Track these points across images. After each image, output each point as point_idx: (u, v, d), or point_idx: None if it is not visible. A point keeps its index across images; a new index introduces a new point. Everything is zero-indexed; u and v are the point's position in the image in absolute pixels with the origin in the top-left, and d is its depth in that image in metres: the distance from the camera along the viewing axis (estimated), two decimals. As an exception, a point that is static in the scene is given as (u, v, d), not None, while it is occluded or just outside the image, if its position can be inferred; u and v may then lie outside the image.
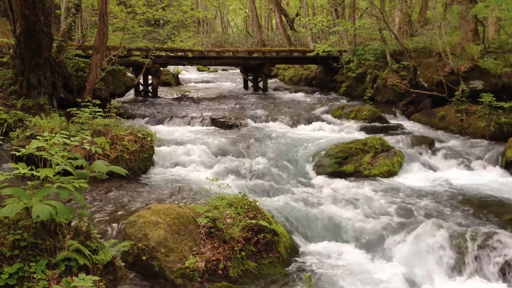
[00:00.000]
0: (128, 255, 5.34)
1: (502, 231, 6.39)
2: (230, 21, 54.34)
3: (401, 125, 13.81)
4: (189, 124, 13.98)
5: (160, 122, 14.28)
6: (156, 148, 9.85)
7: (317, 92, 21.08)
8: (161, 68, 19.79)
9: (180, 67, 24.35)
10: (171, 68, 24.65)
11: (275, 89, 22.99)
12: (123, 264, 4.95)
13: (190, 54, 19.46)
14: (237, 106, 16.79)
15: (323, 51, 20.72)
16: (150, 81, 19.87)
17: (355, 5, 21.95)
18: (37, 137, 4.74)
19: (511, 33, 14.49)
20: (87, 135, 5.20)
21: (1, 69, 12.66)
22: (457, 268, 5.86)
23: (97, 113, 9.48)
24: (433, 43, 16.32)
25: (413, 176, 9.54)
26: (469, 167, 10.13)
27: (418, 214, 7.23)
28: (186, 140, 11.41)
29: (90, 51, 15.06)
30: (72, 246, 4.11)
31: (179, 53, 19.81)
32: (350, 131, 13.12)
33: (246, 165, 9.68)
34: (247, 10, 44.43)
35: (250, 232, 5.83)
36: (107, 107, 10.24)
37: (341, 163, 9.78)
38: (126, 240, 5.32)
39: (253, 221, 5.88)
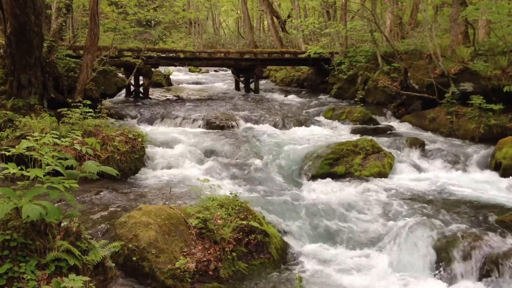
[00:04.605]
0: (119, 256, 5.32)
1: (491, 233, 6.44)
2: (222, 22, 54.38)
3: (392, 126, 13.88)
4: (180, 125, 13.95)
5: (151, 123, 14.23)
6: (147, 149, 9.82)
7: (309, 94, 21.15)
8: (153, 69, 19.75)
9: (172, 68, 24.32)
10: (163, 69, 24.62)
11: (267, 90, 23.03)
12: (113, 264, 4.94)
13: (181, 55, 19.46)
14: (229, 107, 16.79)
15: (314, 53, 20.78)
16: (141, 82, 19.84)
17: (347, 7, 22.02)
18: (27, 137, 4.72)
19: (501, 36, 14.58)
20: (77, 136, 5.19)
21: (-9, 69, 12.58)
22: (446, 269, 5.90)
23: (87, 114, 9.44)
24: (424, 45, 16.41)
25: (404, 177, 9.58)
26: (459, 169, 10.18)
27: (408, 215, 7.27)
28: (177, 141, 11.37)
29: (81, 51, 15.00)
30: (62, 246, 4.10)
31: (171, 54, 19.78)
32: (341, 133, 13.16)
33: (237, 166, 9.70)
34: (238, 12, 44.46)
35: (241, 233, 5.83)
36: (98, 107, 10.21)
37: (332, 165, 9.80)
38: (117, 240, 5.30)
39: (244, 222, 5.88)
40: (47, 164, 4.32)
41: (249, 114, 15.07)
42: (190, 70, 32.83)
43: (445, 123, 13.15)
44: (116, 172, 4.83)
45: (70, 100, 11.08)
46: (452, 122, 12.96)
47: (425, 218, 7.06)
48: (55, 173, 4.39)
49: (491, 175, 9.76)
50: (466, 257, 5.93)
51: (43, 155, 4.29)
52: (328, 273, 5.80)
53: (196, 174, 9.29)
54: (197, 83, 26.87)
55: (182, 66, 25.39)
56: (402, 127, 14.11)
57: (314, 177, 9.63)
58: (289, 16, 36.58)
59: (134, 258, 5.22)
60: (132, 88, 19.90)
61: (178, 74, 29.87)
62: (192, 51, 20.69)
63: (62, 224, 4.42)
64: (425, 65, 15.10)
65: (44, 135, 4.54)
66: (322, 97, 19.88)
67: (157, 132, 12.43)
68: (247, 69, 21.64)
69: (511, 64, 13.57)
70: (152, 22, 19.65)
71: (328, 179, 9.41)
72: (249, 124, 14.07)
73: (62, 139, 4.65)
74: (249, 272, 5.58)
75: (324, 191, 8.62)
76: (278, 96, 20.41)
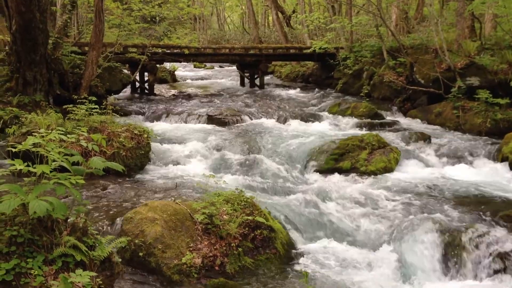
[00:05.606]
0: (125, 251, 5.34)
1: (498, 227, 6.42)
2: (227, 18, 54.27)
3: (398, 121, 13.84)
4: (185, 121, 13.96)
5: (156, 119, 14.25)
6: (152, 145, 9.83)
7: (314, 89, 21.08)
8: (158, 65, 19.76)
9: (177, 64, 24.33)
10: (168, 65, 24.62)
11: (272, 85, 22.99)
12: (120, 260, 4.94)
13: (186, 51, 19.44)
14: (234, 103, 16.78)
15: (319, 48, 20.69)
16: (146, 78, 19.86)
17: (352, 2, 21.94)
18: (33, 133, 4.72)
19: (507, 30, 14.49)
20: (83, 132, 5.19)
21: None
22: (452, 265, 5.88)
23: (93, 110, 9.44)
24: (429, 40, 16.33)
25: (410, 172, 9.55)
26: (465, 163, 10.13)
27: (414, 210, 7.25)
28: (182, 137, 11.40)
29: (86, 48, 15.02)
30: (69, 242, 4.11)
31: (176, 50, 19.77)
32: (347, 128, 13.14)
33: (243, 162, 9.69)
34: (243, 7, 44.35)
35: (247, 229, 5.83)
36: (103, 104, 10.22)
37: (337, 160, 9.79)
38: (123, 236, 5.31)
39: (250, 218, 5.89)
40: (54, 160, 4.32)
41: (254, 110, 15.06)
42: (195, 66, 32.83)
43: (451, 117, 13.10)
44: (122, 168, 4.82)
45: (75, 97, 11.09)
46: (458, 116, 12.92)
47: (432, 213, 7.04)
48: (62, 169, 4.39)
49: (498, 170, 9.71)
50: (472, 253, 5.91)
51: (50, 152, 4.29)
52: (333, 270, 5.78)
53: (202, 169, 9.30)
54: (202, 78, 26.87)
55: (187, 62, 25.35)
56: (408, 122, 14.07)
57: (319, 172, 9.63)
58: (294, 11, 36.43)
59: (140, 254, 5.24)
60: (137, 84, 19.92)
61: (183, 70, 29.87)
62: (197, 47, 20.66)
63: (68, 220, 4.42)
64: (431, 60, 15.03)
65: (50, 131, 4.54)
66: (328, 92, 19.83)
67: (162, 128, 12.45)
68: (252, 64, 21.62)
69: (517, 58, 13.49)
70: (157, 18, 19.62)
71: (334, 174, 9.41)
72: (254, 120, 14.06)
73: (68, 135, 4.66)
74: (255, 267, 5.59)
75: (329, 186, 8.60)
76: (283, 92, 20.37)
